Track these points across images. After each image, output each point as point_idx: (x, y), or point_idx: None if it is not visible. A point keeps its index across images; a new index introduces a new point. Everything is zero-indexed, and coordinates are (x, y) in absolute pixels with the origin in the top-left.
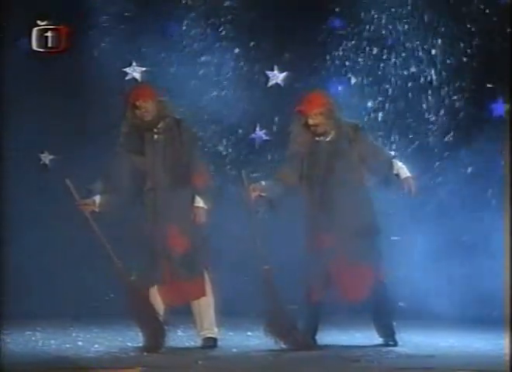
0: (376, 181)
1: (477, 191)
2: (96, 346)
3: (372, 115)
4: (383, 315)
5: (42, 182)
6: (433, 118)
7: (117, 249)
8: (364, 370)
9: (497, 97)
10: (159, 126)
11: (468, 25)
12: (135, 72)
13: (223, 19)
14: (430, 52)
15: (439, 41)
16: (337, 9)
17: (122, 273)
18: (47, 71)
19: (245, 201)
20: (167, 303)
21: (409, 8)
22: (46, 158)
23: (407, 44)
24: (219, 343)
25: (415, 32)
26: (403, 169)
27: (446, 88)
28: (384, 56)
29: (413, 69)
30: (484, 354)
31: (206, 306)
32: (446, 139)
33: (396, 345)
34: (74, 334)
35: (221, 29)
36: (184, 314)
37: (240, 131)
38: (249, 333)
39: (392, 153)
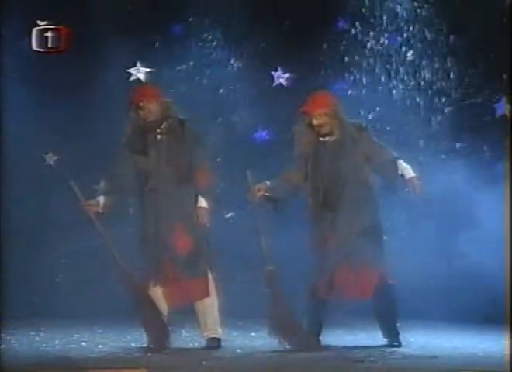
0: (381, 181)
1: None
2: (100, 346)
3: (375, 116)
4: (387, 315)
5: (46, 183)
6: (438, 119)
7: (121, 250)
8: (369, 370)
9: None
10: (162, 127)
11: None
12: (139, 73)
13: (227, 19)
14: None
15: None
16: (342, 10)
17: (126, 274)
18: (48, 71)
19: (250, 201)
20: (170, 304)
21: (414, 10)
22: (51, 159)
23: (412, 45)
24: (223, 344)
25: (420, 33)
26: (407, 169)
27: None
28: (389, 58)
29: (416, 69)
30: (488, 355)
31: (210, 306)
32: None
33: (400, 346)
34: (77, 334)
35: (225, 29)
36: (188, 314)
37: (243, 131)
38: (253, 334)
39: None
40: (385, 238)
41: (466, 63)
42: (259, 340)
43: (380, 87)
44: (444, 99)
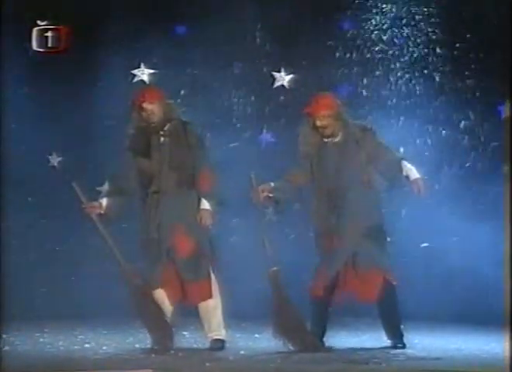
0: (385, 182)
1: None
2: (104, 347)
3: (378, 117)
4: (391, 317)
5: (50, 184)
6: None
7: (124, 251)
8: None
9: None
10: (165, 129)
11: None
12: (143, 74)
13: (231, 21)
14: (437, 53)
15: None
16: (346, 12)
17: (129, 275)
18: (51, 72)
19: (254, 201)
20: (173, 305)
21: (416, 10)
22: (55, 160)
23: (415, 46)
24: (226, 345)
25: (422, 33)
26: (412, 170)
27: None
28: (391, 58)
29: (420, 70)
30: (492, 357)
31: (214, 308)
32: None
33: (404, 347)
34: (81, 336)
35: (229, 30)
36: (192, 315)
37: (247, 133)
38: (257, 335)
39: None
40: (388, 239)
41: (468, 65)
42: (263, 342)
43: (383, 89)
44: (448, 99)
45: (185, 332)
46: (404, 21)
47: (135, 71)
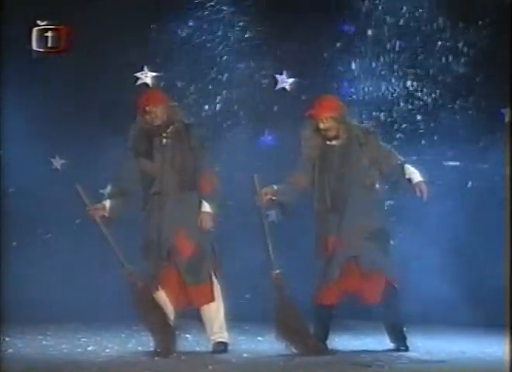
0: (388, 185)
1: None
2: (107, 350)
3: (380, 119)
4: (394, 319)
5: (53, 186)
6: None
7: (127, 254)
8: None
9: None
10: (168, 131)
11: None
12: (147, 77)
13: (233, 24)
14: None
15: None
16: (349, 14)
17: (132, 278)
18: (53, 74)
19: (257, 204)
20: (175, 308)
21: (420, 13)
22: (58, 162)
23: (417, 48)
24: (229, 348)
25: (424, 36)
26: (415, 173)
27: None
28: (394, 61)
29: (423, 72)
30: (496, 360)
31: (216, 311)
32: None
33: (407, 350)
34: (84, 338)
35: (232, 32)
36: (194, 318)
37: (249, 135)
38: (260, 338)
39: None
40: (392, 242)
41: (474, 67)
42: (266, 344)
43: (385, 91)
44: (451, 102)
45: (187, 335)
46: (406, 23)
47: (138, 74)
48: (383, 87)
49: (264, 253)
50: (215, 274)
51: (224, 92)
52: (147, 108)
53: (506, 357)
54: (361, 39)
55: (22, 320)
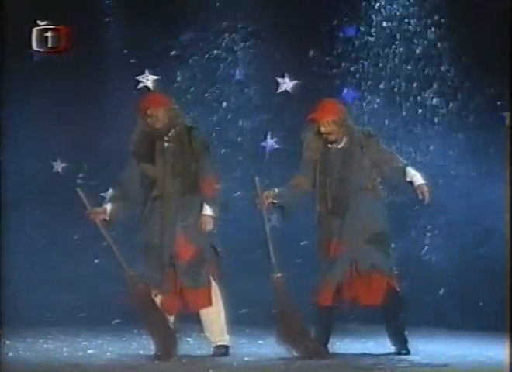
0: (389, 188)
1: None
2: (108, 353)
3: (381, 121)
4: (396, 323)
5: (54, 190)
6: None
7: (128, 257)
8: None
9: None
10: (170, 134)
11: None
12: (148, 81)
13: (235, 27)
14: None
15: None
16: (350, 18)
17: (133, 281)
18: (54, 77)
19: (258, 207)
20: (172, 312)
21: (419, 14)
22: (59, 166)
23: (419, 51)
24: (230, 351)
25: (426, 39)
26: (416, 176)
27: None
28: (397, 64)
29: (425, 76)
30: (497, 363)
31: (215, 315)
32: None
33: (408, 353)
34: (85, 342)
35: (234, 36)
36: (195, 322)
37: (251, 138)
38: (260, 341)
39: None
40: (393, 245)
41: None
42: (267, 348)
43: (387, 94)
44: (454, 104)
45: (188, 338)
46: (408, 28)
47: (139, 77)
48: (386, 92)
49: (265, 256)
50: (214, 278)
51: (226, 95)
52: (148, 112)
53: (507, 361)
54: (364, 43)
55: (22, 324)
